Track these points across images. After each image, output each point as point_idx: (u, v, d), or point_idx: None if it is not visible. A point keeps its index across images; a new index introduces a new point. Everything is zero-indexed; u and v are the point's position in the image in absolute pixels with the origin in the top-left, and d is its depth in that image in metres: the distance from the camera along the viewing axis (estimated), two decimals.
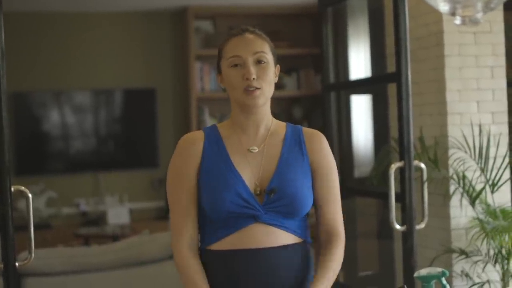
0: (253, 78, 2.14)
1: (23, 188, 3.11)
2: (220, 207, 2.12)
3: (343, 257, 2.26)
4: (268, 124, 2.24)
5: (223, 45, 2.23)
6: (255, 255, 2.12)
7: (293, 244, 2.17)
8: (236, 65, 2.16)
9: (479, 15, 1.84)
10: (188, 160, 2.19)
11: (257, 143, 2.22)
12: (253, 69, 2.14)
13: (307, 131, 2.30)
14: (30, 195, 3.10)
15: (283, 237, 2.16)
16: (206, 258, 2.19)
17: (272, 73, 2.20)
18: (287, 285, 2.14)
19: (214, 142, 2.21)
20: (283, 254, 2.14)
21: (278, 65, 2.25)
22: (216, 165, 2.17)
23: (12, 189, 3.06)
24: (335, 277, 2.19)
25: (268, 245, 2.13)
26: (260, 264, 2.12)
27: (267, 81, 2.17)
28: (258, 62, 2.17)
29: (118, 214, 7.53)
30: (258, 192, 2.15)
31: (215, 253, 2.16)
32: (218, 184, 2.14)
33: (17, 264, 3.09)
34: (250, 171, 2.17)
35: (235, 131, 2.23)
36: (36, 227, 3.20)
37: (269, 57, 2.19)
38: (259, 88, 2.15)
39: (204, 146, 2.20)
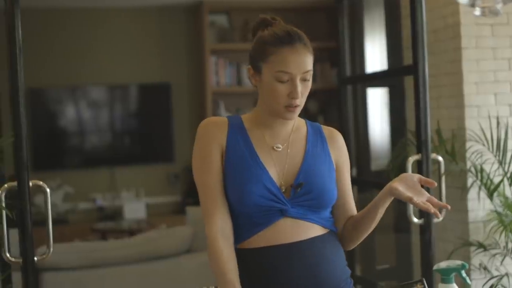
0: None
1: (41, 183, 3.12)
2: (246, 199, 2.09)
3: None
4: (292, 122, 2.23)
5: (269, 49, 2.11)
6: (288, 250, 2.10)
7: (322, 235, 2.16)
8: (283, 81, 2.09)
9: (499, 6, 1.82)
10: (213, 142, 2.15)
11: (281, 140, 2.20)
12: (299, 89, 2.09)
13: (326, 128, 2.31)
14: (48, 190, 3.11)
15: (312, 229, 2.14)
16: (237, 257, 2.15)
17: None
18: (323, 274, 2.13)
19: (238, 132, 2.18)
20: (314, 245, 2.13)
21: None
22: (242, 156, 2.14)
23: (30, 183, 3.07)
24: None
25: (298, 238, 2.11)
26: (295, 258, 2.10)
27: (306, 96, 2.14)
28: (304, 80, 2.11)
29: (134, 209, 7.55)
30: (283, 190, 2.13)
31: (246, 252, 2.13)
32: (245, 176, 2.11)
33: (35, 258, 3.10)
34: (275, 169, 2.15)
35: (259, 126, 2.20)
36: (53, 222, 3.21)
37: (312, 72, 2.15)
38: (298, 105, 2.12)
39: (229, 133, 2.17)
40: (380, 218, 2.23)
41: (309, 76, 2.13)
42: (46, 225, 3.13)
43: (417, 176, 2.10)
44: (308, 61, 2.12)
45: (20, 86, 3.05)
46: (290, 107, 2.11)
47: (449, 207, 2.08)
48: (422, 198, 2.07)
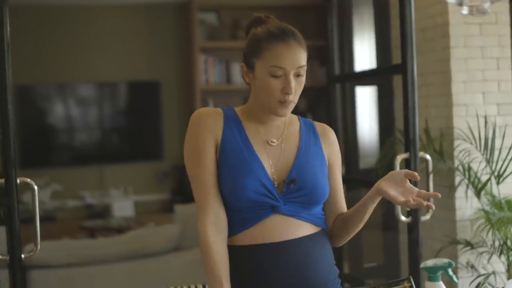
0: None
1: (28, 180, 3.10)
2: (240, 192, 2.07)
3: None
4: (284, 117, 2.23)
5: (263, 45, 2.12)
6: (276, 249, 2.09)
7: (312, 234, 2.15)
8: (276, 76, 2.09)
9: (487, 5, 1.83)
10: (207, 133, 2.13)
11: (275, 135, 2.19)
12: (293, 84, 2.09)
13: (318, 125, 2.30)
14: (35, 187, 3.10)
15: (302, 228, 2.13)
16: None
17: None
18: (311, 273, 2.12)
19: (233, 124, 2.16)
20: (303, 245, 2.12)
21: None
22: (237, 149, 2.12)
23: (18, 181, 3.06)
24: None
25: (288, 237, 2.10)
26: (282, 258, 2.09)
27: (299, 93, 2.14)
28: (298, 76, 2.12)
29: (123, 207, 7.54)
30: (276, 185, 2.12)
31: (235, 248, 2.12)
32: (240, 169, 2.09)
33: (23, 256, 3.09)
34: (269, 163, 2.13)
35: (253, 120, 2.19)
36: (41, 220, 3.19)
37: (305, 69, 2.15)
38: (292, 101, 2.12)
39: (224, 124, 2.15)
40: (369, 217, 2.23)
41: (303, 72, 2.13)
42: (34, 222, 3.12)
43: (403, 172, 2.09)
44: (301, 57, 2.13)
45: (8, 83, 3.04)
46: (283, 103, 2.10)
47: (439, 195, 2.08)
48: (412, 195, 2.07)
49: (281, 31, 2.14)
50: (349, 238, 2.29)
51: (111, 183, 7.75)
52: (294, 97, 2.11)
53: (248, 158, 2.11)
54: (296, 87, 2.11)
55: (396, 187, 2.08)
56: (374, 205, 2.16)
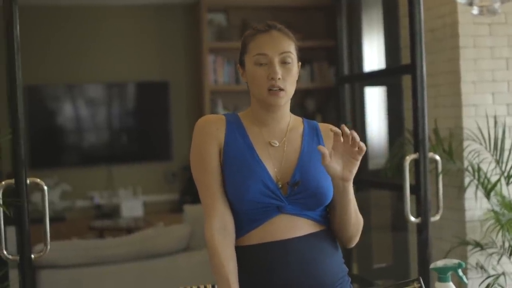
0: (278, 78, 2.13)
1: (38, 180, 3.11)
2: (244, 195, 2.10)
3: (362, 223, 2.26)
4: (287, 119, 2.25)
5: (248, 40, 2.21)
6: (284, 246, 2.11)
7: (318, 231, 2.17)
8: (261, 64, 2.15)
9: (497, 5, 1.82)
10: (210, 140, 2.17)
11: (278, 137, 2.22)
12: (278, 70, 2.13)
13: (322, 125, 2.32)
14: (45, 187, 3.10)
15: (308, 226, 2.15)
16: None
17: (296, 73, 2.19)
18: (320, 270, 2.13)
19: (236, 129, 2.20)
20: (310, 242, 2.14)
21: (299, 62, 2.24)
22: (240, 152, 2.15)
23: (28, 181, 3.06)
24: (355, 214, 2.20)
25: (294, 235, 2.13)
26: (291, 255, 2.11)
27: (290, 81, 2.16)
28: (284, 62, 2.15)
29: (132, 207, 7.55)
30: (280, 185, 2.14)
31: (243, 249, 2.14)
32: (244, 173, 2.12)
33: (32, 256, 3.09)
34: (272, 164, 2.16)
35: (256, 123, 2.22)
36: (50, 220, 3.19)
37: (294, 57, 2.18)
38: (283, 90, 2.14)
39: (227, 130, 2.19)
40: (355, 203, 2.19)
41: (290, 60, 2.16)
42: (44, 222, 3.12)
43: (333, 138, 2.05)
44: (284, 44, 2.17)
45: (18, 83, 3.05)
46: (272, 91, 2.13)
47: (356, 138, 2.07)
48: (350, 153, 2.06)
49: (264, 25, 2.22)
50: (351, 234, 2.24)
51: (120, 183, 7.76)
52: (284, 85, 2.15)
53: (251, 161, 2.15)
54: (284, 74, 2.15)
55: (338, 160, 2.06)
56: (340, 190, 2.13)
